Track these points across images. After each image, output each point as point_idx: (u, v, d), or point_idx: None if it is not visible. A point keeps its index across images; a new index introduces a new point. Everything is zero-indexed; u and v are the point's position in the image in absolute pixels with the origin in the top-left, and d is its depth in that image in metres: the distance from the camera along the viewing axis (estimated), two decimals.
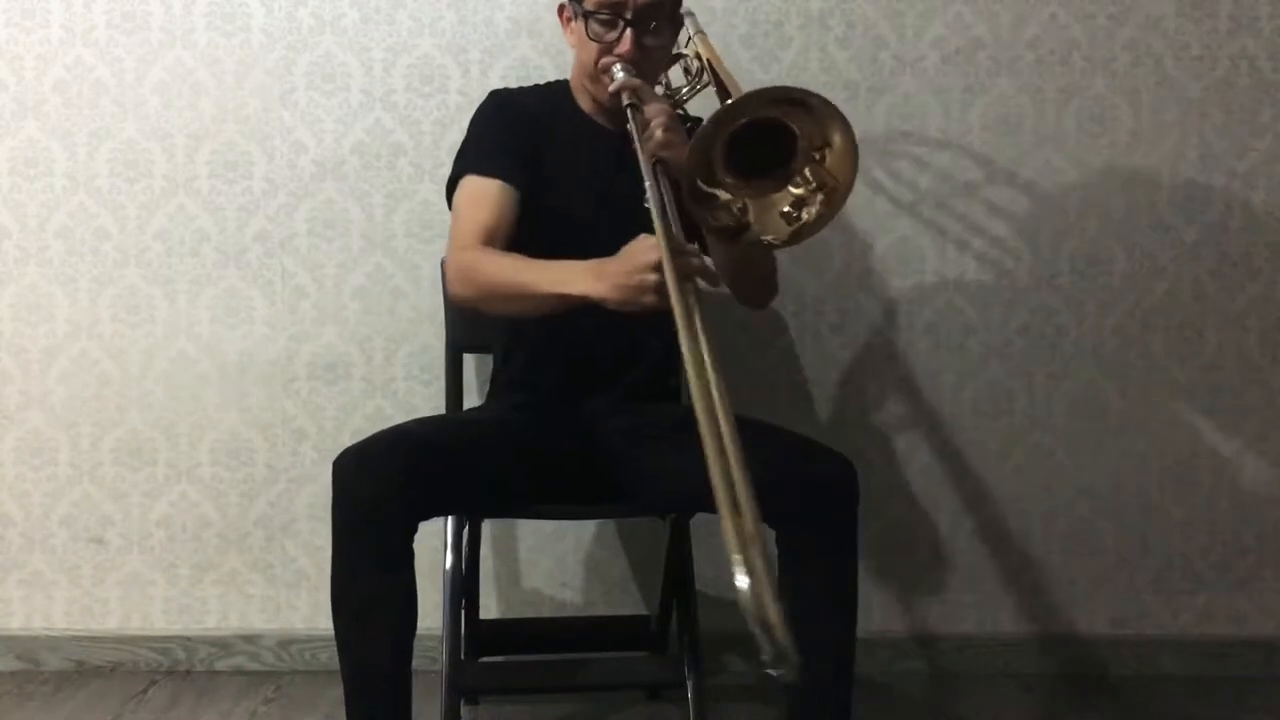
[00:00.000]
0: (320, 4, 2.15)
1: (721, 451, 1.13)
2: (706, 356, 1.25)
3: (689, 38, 1.77)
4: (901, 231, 2.21)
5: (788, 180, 1.42)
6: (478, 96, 2.13)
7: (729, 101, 1.40)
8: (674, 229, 1.41)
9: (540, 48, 2.16)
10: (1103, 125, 2.20)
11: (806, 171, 1.42)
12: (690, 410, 1.70)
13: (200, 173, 2.18)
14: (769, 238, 1.44)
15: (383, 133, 2.17)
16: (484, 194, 1.66)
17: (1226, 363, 2.24)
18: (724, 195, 1.42)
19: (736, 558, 1.02)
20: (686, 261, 1.36)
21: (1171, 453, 2.25)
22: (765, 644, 1.01)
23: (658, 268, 1.36)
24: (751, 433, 1.64)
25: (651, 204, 1.42)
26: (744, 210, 1.43)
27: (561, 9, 1.74)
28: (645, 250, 1.40)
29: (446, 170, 2.12)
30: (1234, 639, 2.27)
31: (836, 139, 1.38)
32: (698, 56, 1.71)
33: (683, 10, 1.78)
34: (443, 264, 1.97)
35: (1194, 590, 2.27)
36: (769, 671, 1.01)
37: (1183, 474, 2.26)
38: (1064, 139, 2.20)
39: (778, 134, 1.40)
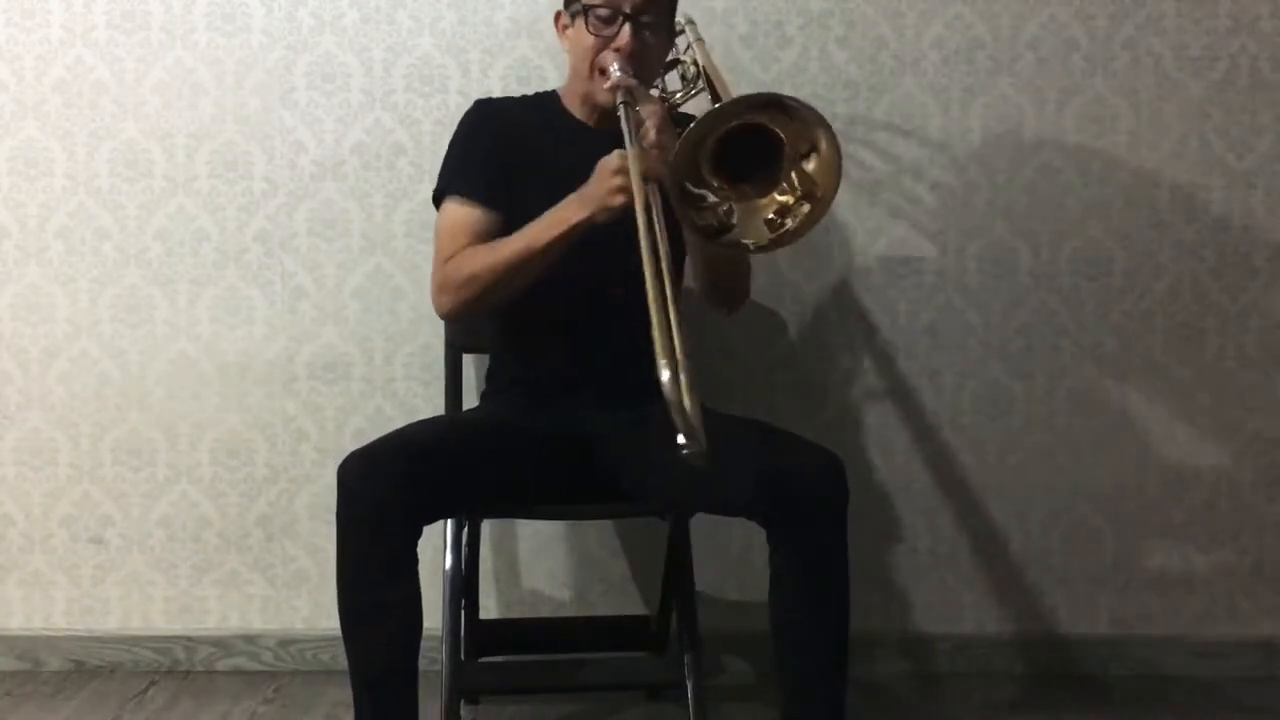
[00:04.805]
0: (320, 4, 2.15)
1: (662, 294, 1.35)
2: (661, 246, 1.41)
3: (688, 45, 1.81)
4: (901, 232, 2.21)
5: (773, 186, 1.46)
6: (478, 96, 2.15)
7: (716, 105, 1.43)
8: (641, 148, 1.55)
9: (540, 48, 2.15)
10: (1103, 125, 2.20)
11: (793, 177, 1.45)
12: None
13: (200, 173, 2.18)
14: (749, 241, 1.48)
15: (383, 133, 2.17)
16: (464, 223, 1.72)
17: (1226, 363, 2.24)
18: (711, 197, 1.46)
19: (662, 361, 1.28)
20: (648, 159, 1.52)
21: (1171, 453, 2.25)
22: (680, 425, 1.26)
23: (621, 170, 1.50)
24: (736, 430, 1.65)
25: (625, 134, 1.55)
26: (729, 213, 1.47)
27: (558, 16, 1.78)
28: (611, 158, 1.54)
29: None
30: (1234, 639, 2.27)
31: (822, 146, 1.42)
32: (694, 63, 1.75)
33: (684, 19, 1.82)
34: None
35: (1194, 590, 2.27)
36: (683, 452, 1.26)
37: (1183, 474, 2.26)
38: (1064, 139, 2.20)
39: (766, 140, 1.43)
